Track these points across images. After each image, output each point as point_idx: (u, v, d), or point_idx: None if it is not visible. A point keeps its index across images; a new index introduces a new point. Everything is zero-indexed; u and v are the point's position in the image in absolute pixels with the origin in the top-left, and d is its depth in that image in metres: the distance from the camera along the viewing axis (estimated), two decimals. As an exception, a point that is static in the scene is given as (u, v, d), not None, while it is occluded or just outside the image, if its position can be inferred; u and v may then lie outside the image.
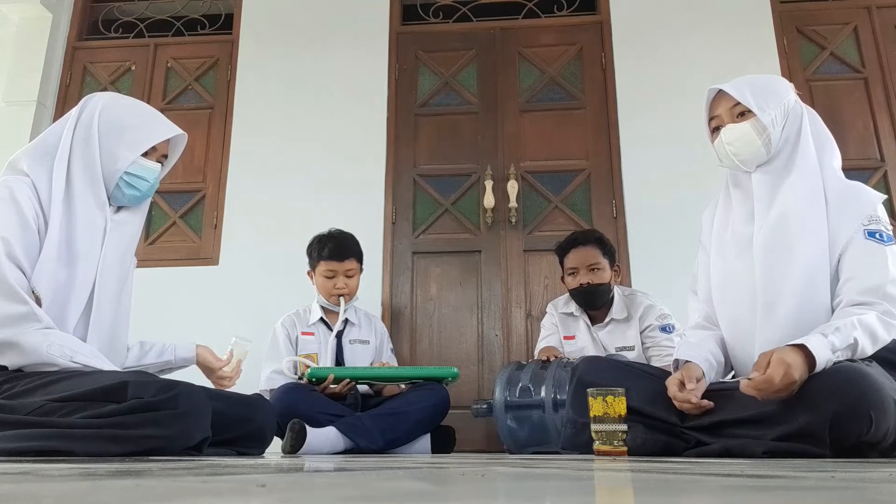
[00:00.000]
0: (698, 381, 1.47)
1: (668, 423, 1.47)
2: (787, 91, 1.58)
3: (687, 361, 1.52)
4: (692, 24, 3.32)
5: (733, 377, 1.62)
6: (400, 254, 3.17)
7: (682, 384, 1.46)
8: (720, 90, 1.60)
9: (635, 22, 3.36)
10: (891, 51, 3.25)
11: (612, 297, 2.47)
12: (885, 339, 1.37)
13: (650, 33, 3.33)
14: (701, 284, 1.70)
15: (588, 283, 2.40)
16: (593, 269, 2.41)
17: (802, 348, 1.30)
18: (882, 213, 1.48)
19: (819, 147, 1.55)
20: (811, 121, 1.58)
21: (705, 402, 1.43)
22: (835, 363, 1.32)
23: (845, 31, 3.32)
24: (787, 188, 1.52)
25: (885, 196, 1.56)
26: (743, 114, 1.56)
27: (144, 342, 1.77)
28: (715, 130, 1.62)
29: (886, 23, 3.30)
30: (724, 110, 1.59)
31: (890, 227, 1.47)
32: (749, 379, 1.31)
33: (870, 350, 1.36)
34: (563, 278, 2.53)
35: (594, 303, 2.45)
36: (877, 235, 1.44)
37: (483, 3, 3.53)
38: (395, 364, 2.57)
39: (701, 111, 1.66)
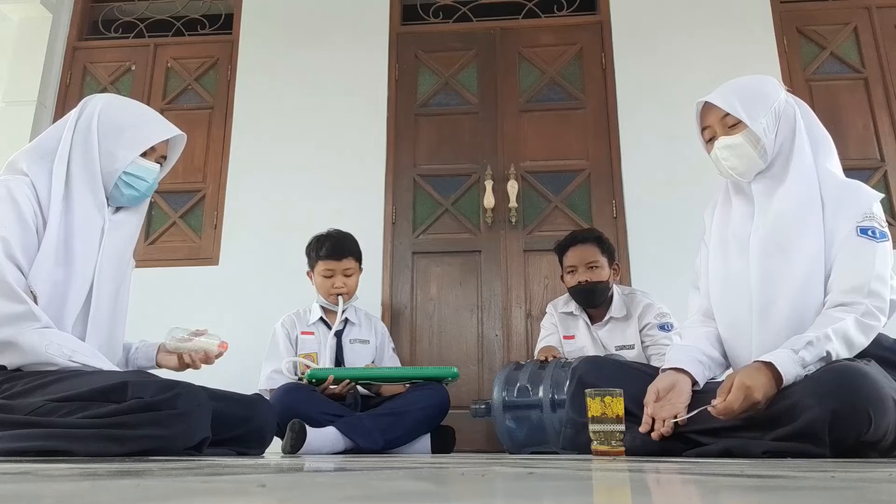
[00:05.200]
0: (694, 388, 1.47)
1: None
2: (777, 92, 1.55)
3: (674, 368, 1.50)
4: (692, 24, 3.32)
5: None
6: (400, 254, 3.17)
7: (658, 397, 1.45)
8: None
9: (635, 22, 3.36)
10: (891, 51, 3.25)
11: (612, 296, 2.47)
12: (861, 343, 1.37)
13: (650, 33, 3.33)
14: (702, 281, 1.69)
15: (587, 280, 2.41)
16: (592, 267, 2.42)
17: (770, 366, 1.33)
18: (878, 211, 1.47)
19: (814, 145, 1.53)
20: (805, 118, 1.55)
21: (665, 430, 1.42)
22: (831, 363, 1.32)
23: (845, 31, 3.32)
24: (784, 191, 1.51)
25: (883, 195, 1.55)
26: (735, 125, 1.54)
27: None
28: (709, 141, 1.60)
29: (886, 23, 3.30)
30: (716, 121, 1.57)
31: (885, 225, 1.46)
32: (713, 406, 1.35)
33: (846, 356, 1.36)
34: (562, 277, 2.54)
35: (593, 300, 2.45)
36: (869, 232, 1.43)
37: (483, 3, 3.53)
38: (398, 365, 2.57)
39: (700, 112, 1.65)
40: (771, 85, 1.58)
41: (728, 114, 1.53)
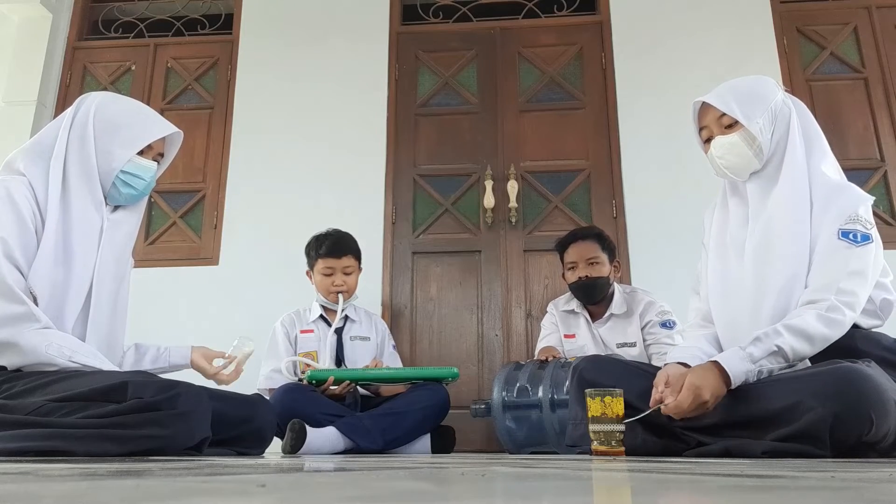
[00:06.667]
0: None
1: (667, 423, 1.47)
2: (773, 92, 1.56)
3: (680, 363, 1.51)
4: (692, 24, 3.32)
5: None
6: (400, 254, 3.17)
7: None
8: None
9: (635, 22, 3.36)
10: (891, 51, 3.25)
11: (612, 293, 2.48)
12: (824, 335, 1.37)
13: (650, 33, 3.33)
14: (702, 285, 1.70)
15: (587, 276, 2.41)
16: (592, 263, 2.43)
17: (718, 364, 1.36)
18: (864, 213, 1.46)
19: (808, 146, 1.53)
20: (800, 118, 1.55)
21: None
22: (832, 364, 1.32)
23: (845, 31, 3.32)
24: (777, 192, 1.51)
25: (874, 197, 1.55)
26: (731, 125, 1.54)
27: (140, 345, 1.75)
28: (707, 141, 1.60)
29: (886, 23, 3.30)
30: (712, 121, 1.57)
31: (871, 228, 1.45)
32: (665, 405, 1.38)
33: (808, 350, 1.37)
34: (563, 275, 2.54)
35: (593, 296, 2.45)
36: (850, 236, 1.43)
37: (483, 3, 3.53)
38: (399, 362, 2.57)
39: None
40: (767, 85, 1.58)
41: (724, 114, 1.54)
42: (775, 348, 1.35)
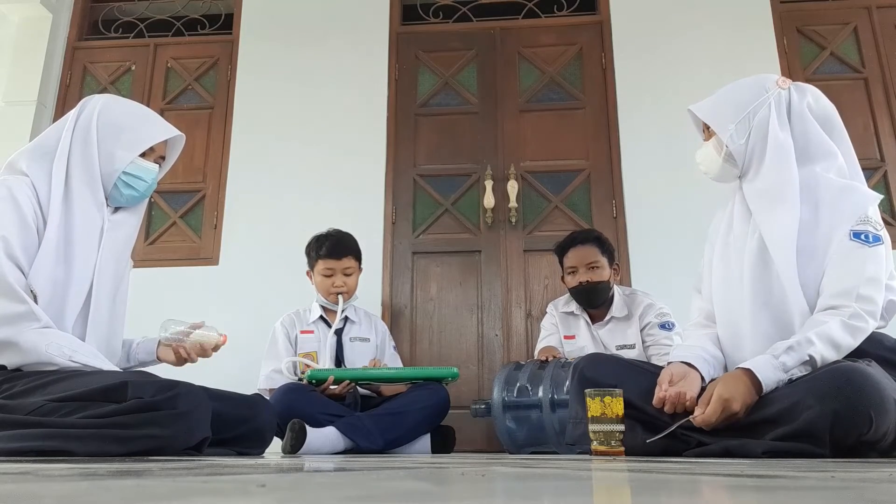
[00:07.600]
0: (703, 387, 1.47)
1: (667, 422, 1.47)
2: (755, 96, 1.53)
3: (683, 362, 1.51)
4: (692, 24, 3.32)
5: None
6: (400, 254, 3.17)
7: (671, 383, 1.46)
8: None
9: (635, 22, 3.35)
10: (891, 51, 3.25)
11: (612, 296, 2.48)
12: (850, 344, 1.37)
13: (650, 33, 3.33)
14: (705, 283, 1.70)
15: (587, 281, 2.41)
16: (592, 268, 2.42)
17: (749, 372, 1.35)
18: (874, 214, 1.46)
19: (806, 149, 1.51)
20: (799, 122, 1.52)
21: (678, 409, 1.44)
22: (827, 365, 1.32)
23: (845, 31, 3.32)
24: (767, 195, 1.51)
25: (882, 196, 1.54)
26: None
27: (123, 341, 1.72)
28: None
29: (886, 23, 3.30)
30: (704, 125, 1.63)
31: (881, 228, 1.45)
32: (693, 418, 1.38)
33: (834, 359, 1.36)
34: (563, 278, 2.54)
35: (594, 301, 2.46)
36: (862, 237, 1.42)
37: (483, 3, 3.53)
38: (399, 363, 2.57)
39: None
40: (751, 89, 1.56)
41: None
42: (807, 357, 1.34)
